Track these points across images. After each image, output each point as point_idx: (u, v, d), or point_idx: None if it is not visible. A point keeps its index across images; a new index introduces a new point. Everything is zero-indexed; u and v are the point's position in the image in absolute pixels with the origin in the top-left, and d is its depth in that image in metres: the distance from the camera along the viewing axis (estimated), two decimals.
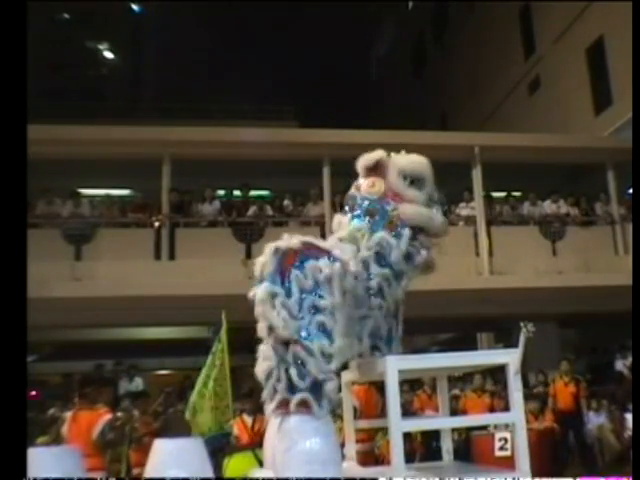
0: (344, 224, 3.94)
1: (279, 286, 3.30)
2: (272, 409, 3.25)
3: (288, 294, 3.28)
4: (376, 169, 3.92)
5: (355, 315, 3.57)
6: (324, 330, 3.28)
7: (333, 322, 3.31)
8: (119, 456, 6.54)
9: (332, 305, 3.32)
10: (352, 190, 4.02)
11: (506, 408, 9.37)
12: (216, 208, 11.96)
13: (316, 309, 3.29)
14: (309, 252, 3.42)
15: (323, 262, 3.38)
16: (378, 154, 3.95)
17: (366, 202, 3.87)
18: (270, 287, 3.30)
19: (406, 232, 3.76)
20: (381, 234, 3.74)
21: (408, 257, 3.75)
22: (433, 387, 9.14)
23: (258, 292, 3.33)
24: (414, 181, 3.86)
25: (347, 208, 3.99)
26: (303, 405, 3.16)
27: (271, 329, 3.26)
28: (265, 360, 3.31)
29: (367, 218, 3.82)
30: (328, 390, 3.24)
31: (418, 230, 3.82)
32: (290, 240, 3.44)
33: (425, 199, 3.86)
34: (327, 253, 3.47)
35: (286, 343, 3.25)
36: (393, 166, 3.89)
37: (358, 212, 3.88)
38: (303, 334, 3.24)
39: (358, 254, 3.67)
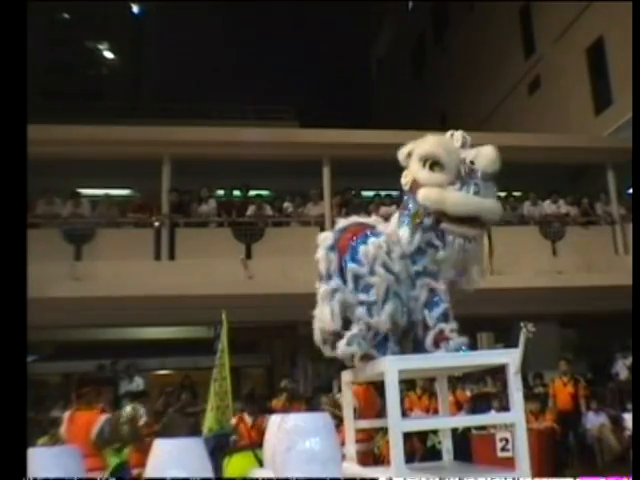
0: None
1: (352, 262, 3.56)
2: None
3: (360, 265, 3.55)
4: (408, 161, 3.85)
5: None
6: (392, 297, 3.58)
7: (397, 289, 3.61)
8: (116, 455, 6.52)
9: (399, 277, 3.61)
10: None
11: (476, 401, 9.40)
12: (212, 207, 11.94)
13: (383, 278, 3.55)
14: (372, 230, 3.68)
15: (382, 239, 3.63)
16: (409, 146, 3.86)
17: (404, 197, 3.92)
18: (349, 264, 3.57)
19: (426, 222, 3.65)
20: (402, 229, 3.71)
21: (419, 251, 3.64)
22: (423, 388, 9.18)
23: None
24: (434, 164, 3.64)
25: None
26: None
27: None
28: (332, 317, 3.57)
29: (399, 212, 3.88)
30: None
31: (443, 217, 3.59)
32: (352, 220, 3.81)
33: (443, 180, 3.60)
34: (383, 232, 3.69)
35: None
36: (414, 154, 3.77)
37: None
38: (372, 298, 3.54)
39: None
